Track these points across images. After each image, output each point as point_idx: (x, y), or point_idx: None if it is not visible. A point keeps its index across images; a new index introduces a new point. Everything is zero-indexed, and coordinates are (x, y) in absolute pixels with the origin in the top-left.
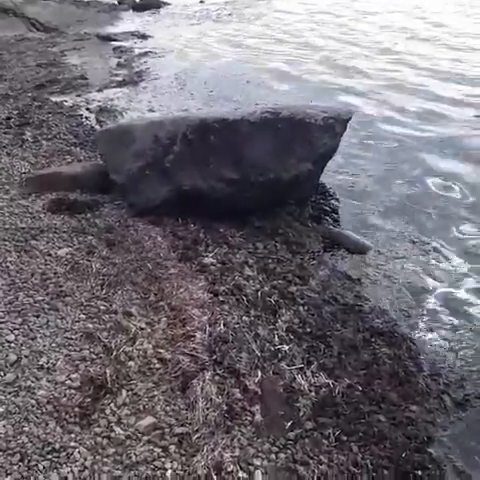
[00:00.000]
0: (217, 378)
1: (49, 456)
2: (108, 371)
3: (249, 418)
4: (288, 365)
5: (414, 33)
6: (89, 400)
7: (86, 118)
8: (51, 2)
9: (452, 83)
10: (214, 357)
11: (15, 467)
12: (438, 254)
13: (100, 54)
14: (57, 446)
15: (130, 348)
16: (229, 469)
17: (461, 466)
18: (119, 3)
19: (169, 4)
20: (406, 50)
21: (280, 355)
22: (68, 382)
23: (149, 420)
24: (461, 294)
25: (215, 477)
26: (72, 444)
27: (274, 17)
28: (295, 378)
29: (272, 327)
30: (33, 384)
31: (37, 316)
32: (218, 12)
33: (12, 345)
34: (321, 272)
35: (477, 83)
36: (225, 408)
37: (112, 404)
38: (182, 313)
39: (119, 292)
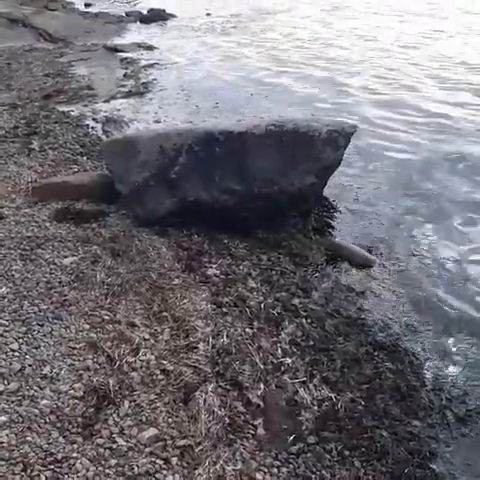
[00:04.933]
0: (220, 390)
1: (51, 466)
2: (111, 381)
3: (251, 431)
4: (291, 378)
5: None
6: (92, 410)
7: (92, 128)
8: (59, 13)
9: (457, 96)
10: (217, 369)
11: (17, 477)
12: (440, 268)
13: (107, 65)
14: (59, 456)
15: (133, 359)
16: None
17: None
18: (127, 15)
19: (176, 17)
20: (410, 66)
21: (283, 368)
22: (71, 392)
23: (151, 432)
24: (464, 308)
25: None
26: (74, 455)
27: (279, 31)
28: (298, 391)
29: (275, 339)
30: (36, 393)
31: (41, 325)
32: (223, 25)
33: (16, 354)
34: (324, 285)
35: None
36: (227, 421)
37: (115, 415)
38: (185, 324)
39: (123, 302)
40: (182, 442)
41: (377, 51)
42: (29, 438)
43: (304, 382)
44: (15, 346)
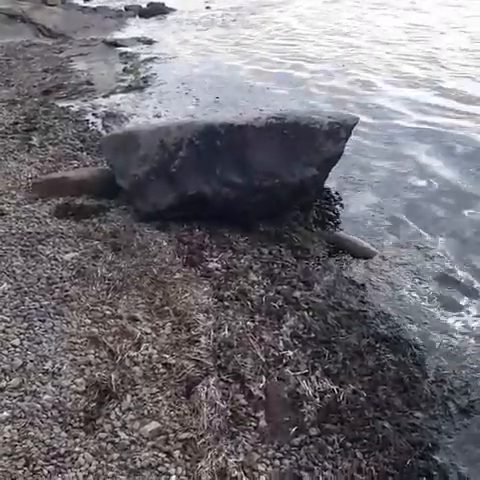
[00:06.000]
0: (221, 383)
1: (54, 461)
2: (113, 376)
3: (254, 424)
4: (293, 371)
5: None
6: (94, 405)
7: (92, 123)
8: (58, 8)
9: (458, 87)
10: (219, 362)
11: (20, 472)
12: (442, 259)
13: (106, 60)
14: (62, 451)
15: (135, 353)
16: (233, 475)
17: (466, 473)
18: (126, 9)
19: (175, 10)
20: (412, 55)
21: (285, 360)
22: (73, 387)
23: (154, 425)
24: (465, 299)
25: None
26: (77, 449)
27: (279, 24)
28: (300, 384)
29: (277, 332)
30: (38, 389)
31: (43, 320)
32: (223, 18)
33: (18, 349)
34: (326, 277)
35: None
36: (230, 413)
37: (117, 409)
38: (187, 318)
39: (124, 297)
40: (184, 435)
41: (378, 43)
42: (31, 433)
43: (306, 374)
44: (17, 342)
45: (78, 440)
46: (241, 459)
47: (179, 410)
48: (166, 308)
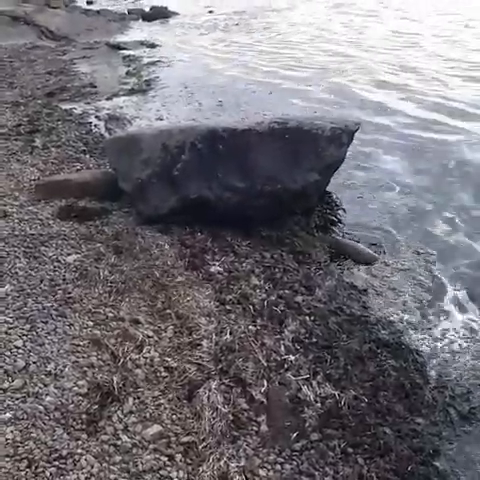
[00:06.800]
0: (223, 387)
1: (56, 463)
2: (115, 378)
3: (255, 428)
4: (294, 375)
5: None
6: (96, 407)
7: (95, 126)
8: (61, 11)
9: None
10: (220, 366)
11: (22, 473)
12: (443, 266)
13: (109, 62)
14: (64, 453)
15: (137, 356)
16: (235, 479)
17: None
18: (129, 12)
19: (178, 14)
20: (414, 63)
21: (286, 365)
22: (75, 389)
23: (156, 428)
24: (467, 306)
25: None
26: (79, 451)
27: (282, 28)
28: (301, 388)
29: (278, 337)
30: (41, 390)
31: (45, 322)
32: (226, 22)
33: (20, 351)
34: (327, 282)
35: None
36: (231, 418)
37: (119, 411)
38: (189, 321)
39: (126, 299)
40: (186, 439)
41: (371, 52)
42: (34, 435)
43: (307, 379)
44: (19, 343)
45: (80, 442)
46: (242, 463)
47: (181, 414)
48: (168, 311)
